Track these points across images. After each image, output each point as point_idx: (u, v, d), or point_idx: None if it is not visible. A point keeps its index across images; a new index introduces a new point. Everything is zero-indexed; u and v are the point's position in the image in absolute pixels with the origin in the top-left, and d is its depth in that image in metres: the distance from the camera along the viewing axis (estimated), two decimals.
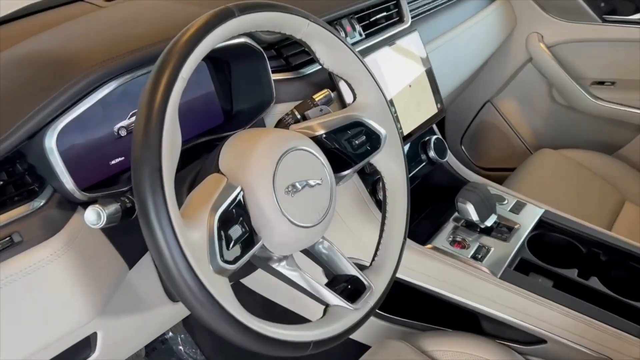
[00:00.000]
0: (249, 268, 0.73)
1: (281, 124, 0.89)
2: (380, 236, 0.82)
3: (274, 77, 0.93)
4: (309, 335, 0.66)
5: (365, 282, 0.76)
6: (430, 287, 1.02)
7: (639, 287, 1.04)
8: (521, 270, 1.05)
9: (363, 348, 1.08)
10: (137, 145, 0.54)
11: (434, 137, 1.23)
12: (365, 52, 1.08)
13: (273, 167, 0.66)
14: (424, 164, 1.22)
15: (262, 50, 0.88)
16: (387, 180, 0.84)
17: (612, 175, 1.55)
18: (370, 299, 0.75)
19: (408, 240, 1.05)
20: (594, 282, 1.03)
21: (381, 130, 0.82)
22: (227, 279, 0.60)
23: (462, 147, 2.09)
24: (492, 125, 2.01)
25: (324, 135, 0.76)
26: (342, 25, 1.06)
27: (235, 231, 0.61)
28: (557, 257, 1.10)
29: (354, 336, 1.20)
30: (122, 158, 0.83)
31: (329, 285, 0.75)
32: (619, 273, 1.09)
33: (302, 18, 0.72)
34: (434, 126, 1.29)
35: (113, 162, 0.81)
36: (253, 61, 0.91)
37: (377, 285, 0.77)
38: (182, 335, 1.47)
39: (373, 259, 0.81)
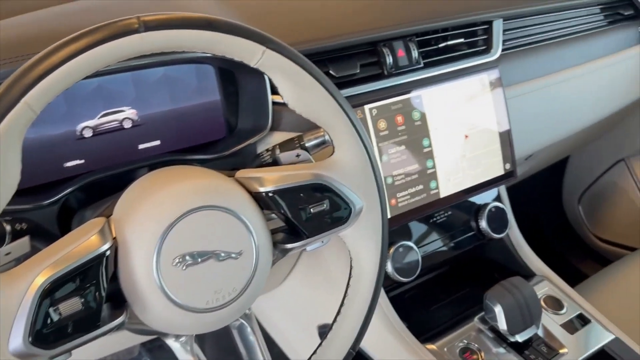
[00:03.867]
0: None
1: (257, 160, 0.72)
2: (320, 343, 0.62)
3: (279, 98, 0.78)
4: None
5: None
6: None
7: None
8: None
9: None
10: None
11: (493, 204, 0.96)
12: (414, 85, 0.86)
13: (166, 224, 0.51)
14: (471, 234, 0.97)
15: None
16: (354, 265, 0.64)
17: None
18: None
19: (406, 332, 0.83)
20: None
21: (355, 200, 0.61)
22: None
23: (580, 208, 1.73)
24: (621, 189, 1.62)
25: (270, 194, 0.58)
26: (392, 47, 0.85)
27: (72, 305, 0.47)
28: None
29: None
30: (81, 161, 0.74)
31: None
32: None
33: (254, 43, 0.54)
34: (504, 192, 1.02)
35: (68, 164, 0.73)
36: (255, 75, 0.76)
37: None
38: None
39: None
